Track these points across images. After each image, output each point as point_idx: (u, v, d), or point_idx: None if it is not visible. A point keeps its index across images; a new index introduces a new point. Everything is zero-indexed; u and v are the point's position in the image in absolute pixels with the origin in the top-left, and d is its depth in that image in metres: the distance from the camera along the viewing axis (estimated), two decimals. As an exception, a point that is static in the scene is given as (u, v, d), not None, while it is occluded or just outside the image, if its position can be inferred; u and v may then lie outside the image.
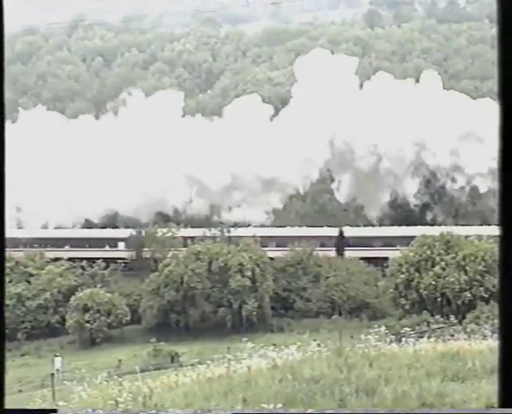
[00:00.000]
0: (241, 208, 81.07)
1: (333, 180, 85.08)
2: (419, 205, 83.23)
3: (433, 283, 62.27)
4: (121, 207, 79.22)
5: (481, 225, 70.82)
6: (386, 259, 69.04)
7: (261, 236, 72.31)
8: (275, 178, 79.93)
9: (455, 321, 42.86)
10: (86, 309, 64.90)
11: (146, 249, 73.37)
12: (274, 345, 24.61)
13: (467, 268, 62.36)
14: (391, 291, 64.55)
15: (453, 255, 63.37)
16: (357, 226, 78.29)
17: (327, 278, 69.51)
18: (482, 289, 61.14)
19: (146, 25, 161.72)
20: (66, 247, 76.54)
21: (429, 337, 26.98)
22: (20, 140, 78.29)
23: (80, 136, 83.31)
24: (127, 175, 78.32)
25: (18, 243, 71.51)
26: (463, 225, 72.64)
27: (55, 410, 8.51)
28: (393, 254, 67.83)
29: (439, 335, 30.57)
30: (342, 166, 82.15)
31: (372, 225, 79.76)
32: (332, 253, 73.23)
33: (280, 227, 78.15)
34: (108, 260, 72.45)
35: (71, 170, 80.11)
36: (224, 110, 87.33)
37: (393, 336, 26.14)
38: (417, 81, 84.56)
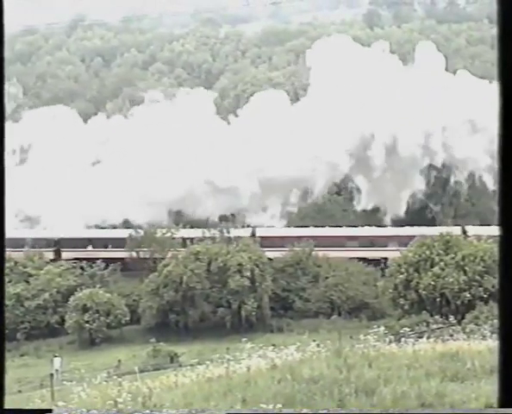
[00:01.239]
0: (254, 211, 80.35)
1: (349, 182, 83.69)
2: (430, 206, 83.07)
3: (433, 283, 62.22)
4: (136, 212, 77.93)
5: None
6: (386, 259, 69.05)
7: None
8: (289, 179, 78.49)
9: (454, 321, 42.89)
10: (85, 309, 64.84)
11: (145, 249, 73.23)
12: (273, 345, 24.65)
13: (466, 268, 62.31)
14: (390, 291, 64.52)
15: (453, 255, 63.33)
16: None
17: (327, 278, 69.50)
18: (481, 289, 61.08)
19: (145, 25, 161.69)
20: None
21: (428, 337, 27.02)
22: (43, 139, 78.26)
23: (92, 136, 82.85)
24: (143, 177, 77.38)
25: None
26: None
27: (51, 410, 8.50)
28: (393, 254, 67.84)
29: (438, 335, 30.60)
30: (358, 167, 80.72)
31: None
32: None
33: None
34: (107, 261, 72.34)
35: (82, 171, 79.74)
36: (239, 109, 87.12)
37: (392, 337, 26.18)
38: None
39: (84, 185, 78.91)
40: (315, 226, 77.29)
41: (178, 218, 78.73)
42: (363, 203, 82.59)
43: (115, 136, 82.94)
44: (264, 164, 77.86)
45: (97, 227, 79.81)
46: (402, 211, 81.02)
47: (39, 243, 75.15)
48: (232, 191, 78.56)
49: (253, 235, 74.47)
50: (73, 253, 74.93)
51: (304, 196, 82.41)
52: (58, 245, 76.53)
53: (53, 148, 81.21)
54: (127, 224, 77.67)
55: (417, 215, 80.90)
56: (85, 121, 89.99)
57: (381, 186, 79.90)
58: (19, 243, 70.56)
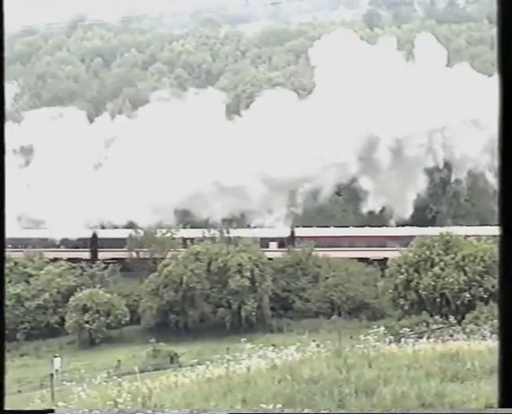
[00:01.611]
0: (260, 213, 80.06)
1: (354, 181, 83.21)
2: (430, 206, 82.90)
3: (433, 283, 62.24)
4: (145, 214, 77.46)
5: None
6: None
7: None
8: (296, 179, 78.12)
9: (454, 321, 42.93)
10: (85, 309, 64.86)
11: (145, 249, 73.15)
12: (273, 345, 24.66)
13: (466, 269, 62.34)
14: (390, 291, 64.53)
15: (453, 256, 63.36)
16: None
17: (327, 278, 69.51)
18: (481, 289, 61.12)
19: (145, 25, 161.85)
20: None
21: (428, 338, 27.03)
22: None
23: (96, 137, 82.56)
24: (148, 178, 77.00)
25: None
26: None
27: (53, 410, 8.51)
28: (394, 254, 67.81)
29: (438, 335, 30.62)
30: (363, 165, 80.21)
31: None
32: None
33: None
34: (107, 261, 72.32)
35: (86, 173, 79.51)
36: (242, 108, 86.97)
37: (392, 337, 26.16)
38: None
39: (88, 187, 78.66)
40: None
41: (185, 220, 78.55)
42: (369, 205, 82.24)
43: (119, 137, 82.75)
44: (270, 165, 77.62)
45: (103, 228, 79.83)
46: (407, 213, 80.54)
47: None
48: (239, 192, 78.14)
49: (292, 234, 75.13)
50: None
51: (311, 197, 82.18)
52: (94, 245, 76.61)
53: (57, 149, 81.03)
54: (132, 226, 77.56)
55: (418, 215, 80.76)
56: (87, 121, 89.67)
57: (386, 187, 79.56)
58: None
